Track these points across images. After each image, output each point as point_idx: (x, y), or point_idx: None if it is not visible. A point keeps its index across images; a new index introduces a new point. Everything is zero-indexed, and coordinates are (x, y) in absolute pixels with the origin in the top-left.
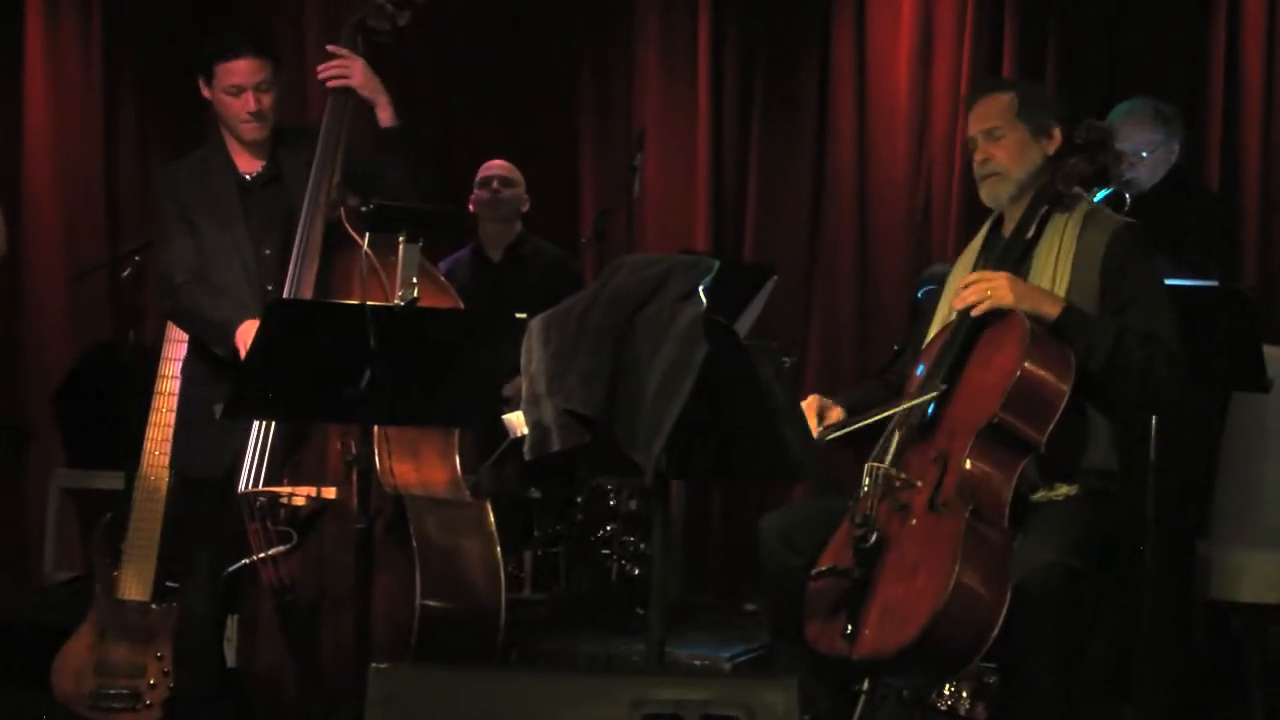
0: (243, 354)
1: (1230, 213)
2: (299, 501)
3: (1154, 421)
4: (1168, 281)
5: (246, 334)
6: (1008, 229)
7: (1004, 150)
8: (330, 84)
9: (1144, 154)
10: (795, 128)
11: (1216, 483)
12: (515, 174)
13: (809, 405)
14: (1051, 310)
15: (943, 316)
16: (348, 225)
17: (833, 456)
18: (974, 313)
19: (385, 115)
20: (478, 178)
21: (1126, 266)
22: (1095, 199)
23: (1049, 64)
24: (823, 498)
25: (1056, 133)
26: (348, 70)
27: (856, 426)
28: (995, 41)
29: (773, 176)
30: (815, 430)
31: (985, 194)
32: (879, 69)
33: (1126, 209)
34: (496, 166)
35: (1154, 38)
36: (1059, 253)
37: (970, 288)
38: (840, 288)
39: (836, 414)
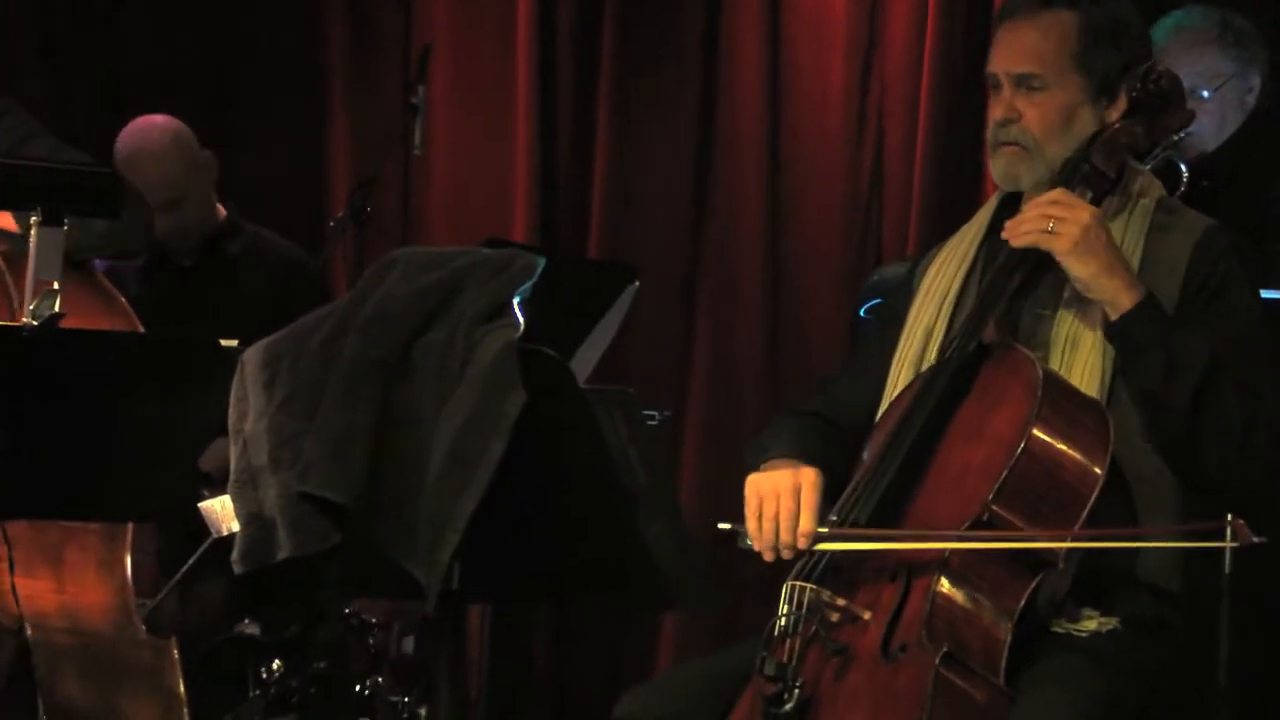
0: None
1: None
2: None
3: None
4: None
5: None
6: None
7: (1040, 112)
8: None
9: (1204, 93)
10: (669, 53)
11: None
12: (164, 139)
13: (805, 484)
14: (1124, 295)
15: (912, 359)
16: None
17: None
18: (1014, 241)
19: None
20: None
21: (1223, 289)
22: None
23: None
24: (714, 656)
25: (1124, 97)
26: None
27: (870, 547)
28: None
29: (634, 132)
30: (805, 531)
31: (998, 170)
32: None
33: (1184, 184)
34: (129, 135)
35: None
36: None
37: (1035, 212)
38: (739, 304)
39: (813, 493)
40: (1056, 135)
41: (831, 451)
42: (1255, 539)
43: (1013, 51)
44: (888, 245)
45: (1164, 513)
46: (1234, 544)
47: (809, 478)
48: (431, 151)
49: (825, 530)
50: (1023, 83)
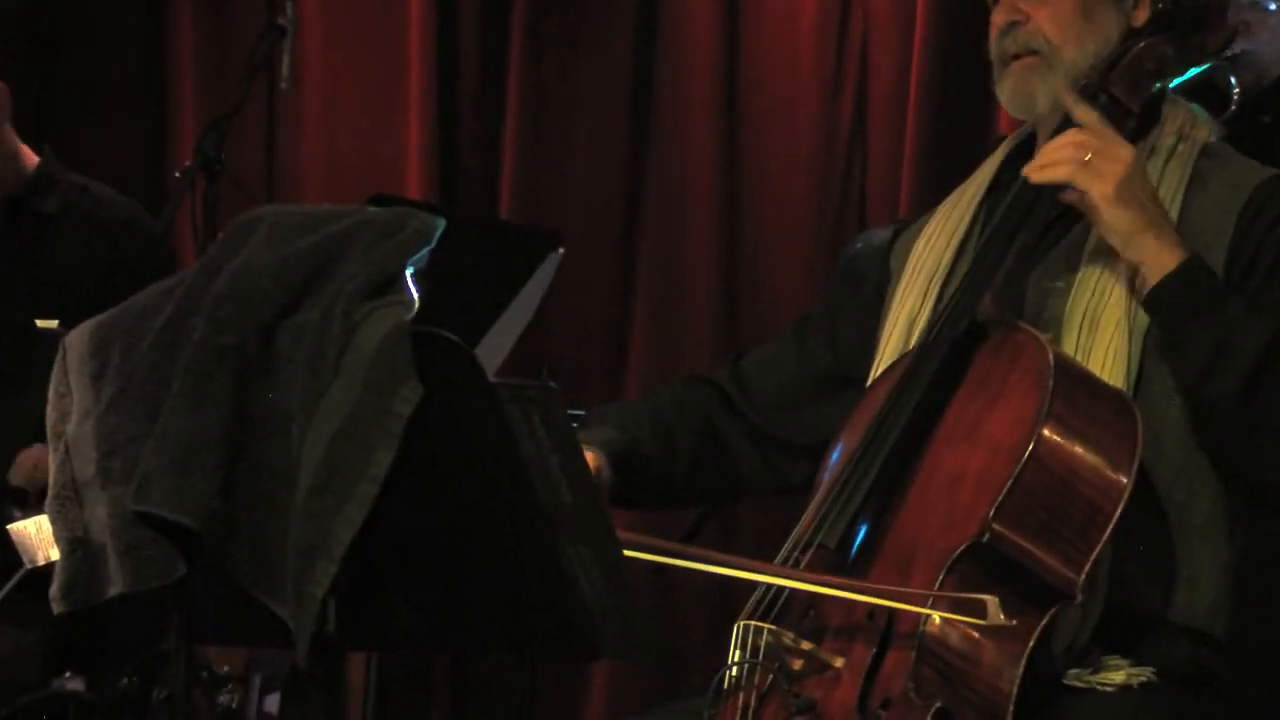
0: None
1: None
2: None
3: None
4: None
5: None
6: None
7: (1052, 9)
8: None
9: (1270, 4)
10: None
11: None
12: None
13: None
14: (1168, 255)
15: (897, 340)
16: None
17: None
18: (1036, 177)
19: None
20: None
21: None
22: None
23: None
24: (651, 715)
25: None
26: None
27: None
28: None
29: (555, 67)
30: None
31: (1005, 92)
32: None
33: (1233, 104)
34: None
35: None
36: None
37: (1067, 140)
38: (687, 279)
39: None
40: (1074, 36)
41: (683, 439)
42: (1003, 620)
43: None
44: (872, 210)
45: (1202, 534)
46: (982, 622)
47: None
48: (302, 87)
49: None
50: None
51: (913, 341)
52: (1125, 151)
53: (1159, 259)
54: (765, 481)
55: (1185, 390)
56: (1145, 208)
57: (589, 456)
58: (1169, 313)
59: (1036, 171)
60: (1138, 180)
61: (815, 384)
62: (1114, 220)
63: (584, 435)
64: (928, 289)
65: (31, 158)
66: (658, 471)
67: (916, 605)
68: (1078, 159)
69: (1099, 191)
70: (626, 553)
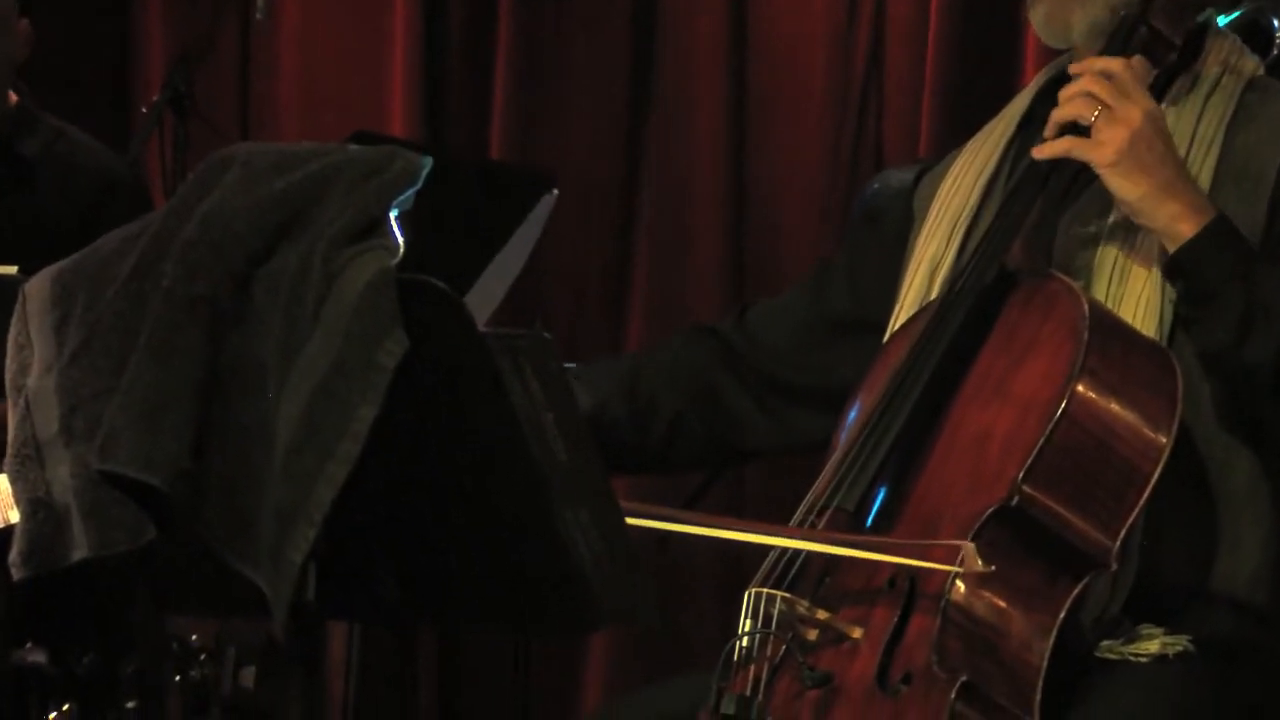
0: None
1: None
2: None
3: None
4: None
5: None
6: None
7: None
8: None
9: None
10: None
11: None
12: None
13: None
14: (1184, 222)
15: (919, 288)
16: None
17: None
18: (1037, 157)
19: None
20: None
21: None
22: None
23: None
24: (654, 690)
25: None
26: None
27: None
28: None
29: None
30: None
31: (1039, 17)
32: None
33: (1275, 50)
34: None
35: None
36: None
37: (1076, 89)
38: (691, 224)
39: None
40: None
41: (667, 401)
42: (981, 567)
43: None
44: (889, 151)
45: (1243, 495)
46: (958, 569)
47: None
48: (279, 17)
49: None
50: None
51: (935, 290)
52: (1135, 113)
53: (1172, 227)
54: (769, 437)
55: (1215, 358)
56: (1156, 174)
57: None
58: (1188, 284)
59: (1039, 150)
60: (1145, 144)
61: (831, 327)
62: (1118, 190)
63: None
64: (951, 233)
65: (11, 95)
66: (627, 436)
67: (891, 555)
68: (1086, 115)
69: (1099, 161)
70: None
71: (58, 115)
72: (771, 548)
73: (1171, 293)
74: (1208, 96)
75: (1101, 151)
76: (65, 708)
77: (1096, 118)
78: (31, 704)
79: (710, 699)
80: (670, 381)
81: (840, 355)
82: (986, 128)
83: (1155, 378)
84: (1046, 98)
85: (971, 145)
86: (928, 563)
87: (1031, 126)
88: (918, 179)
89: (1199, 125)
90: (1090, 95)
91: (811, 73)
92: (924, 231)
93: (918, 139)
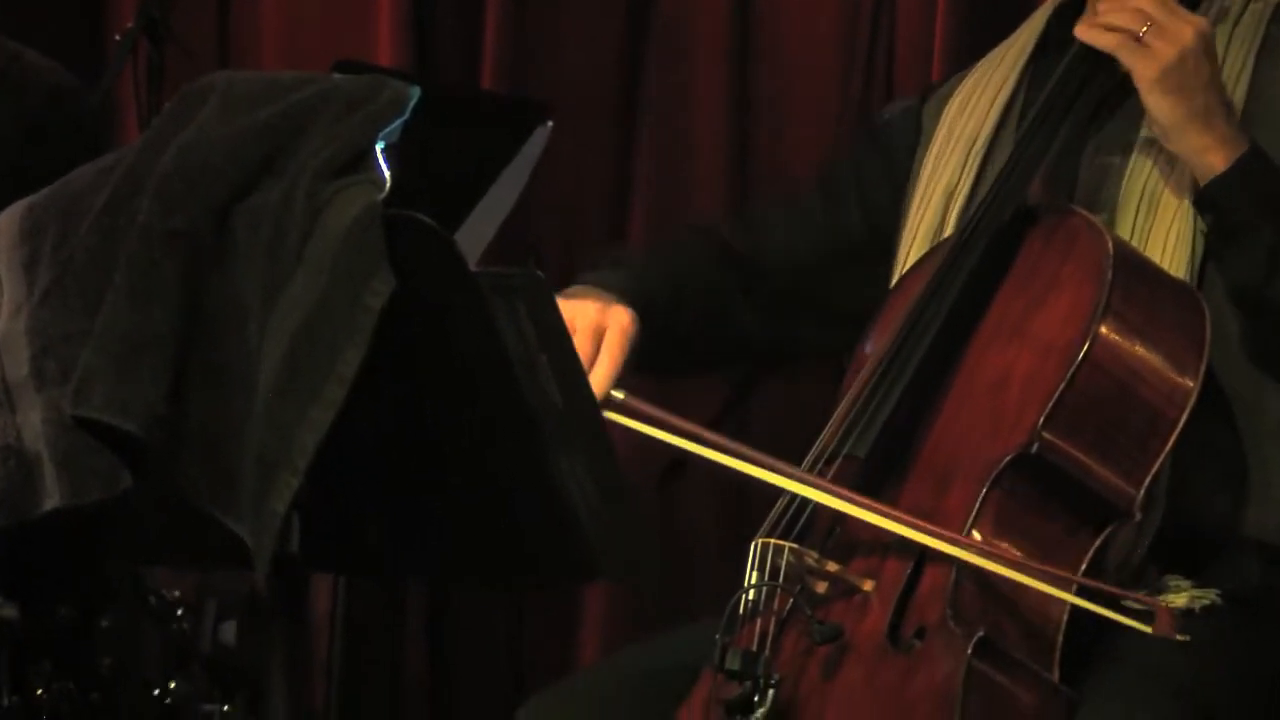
0: None
1: None
2: None
3: None
4: None
5: None
6: None
7: None
8: None
9: None
10: None
11: None
12: None
13: (613, 326)
14: (1216, 154)
15: (927, 235)
16: None
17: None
18: (1085, 36)
19: None
20: None
21: None
22: None
23: None
24: (653, 644)
25: None
26: None
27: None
28: None
29: None
30: (595, 389)
31: None
32: None
33: None
34: None
35: None
36: None
37: (1123, 4)
38: (693, 158)
39: (620, 342)
40: None
41: (692, 302)
42: (1178, 637)
43: None
44: (899, 80)
45: (1275, 439)
46: (1146, 628)
47: (620, 320)
48: None
49: (621, 396)
50: None
51: (950, 223)
52: (1188, 31)
53: (1204, 159)
54: (774, 346)
55: (1242, 294)
56: (1197, 99)
57: (621, 311)
58: (1218, 218)
59: (1086, 30)
60: (1193, 64)
61: (840, 241)
62: (1155, 108)
63: (598, 278)
64: (967, 161)
65: None
66: (665, 322)
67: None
68: (1133, 27)
69: (1143, 73)
70: (650, 431)
71: (24, 42)
72: (782, 493)
73: (1203, 224)
74: (1234, 26)
75: (1149, 63)
76: (39, 664)
77: (1146, 31)
78: (3, 660)
79: (714, 654)
80: (673, 286)
81: (851, 276)
82: (999, 49)
83: (1182, 319)
84: (1062, 20)
85: (983, 66)
86: (942, 541)
87: (1048, 51)
88: (924, 98)
89: (1227, 55)
90: (1139, 10)
91: None
92: (934, 152)
93: (931, 69)
